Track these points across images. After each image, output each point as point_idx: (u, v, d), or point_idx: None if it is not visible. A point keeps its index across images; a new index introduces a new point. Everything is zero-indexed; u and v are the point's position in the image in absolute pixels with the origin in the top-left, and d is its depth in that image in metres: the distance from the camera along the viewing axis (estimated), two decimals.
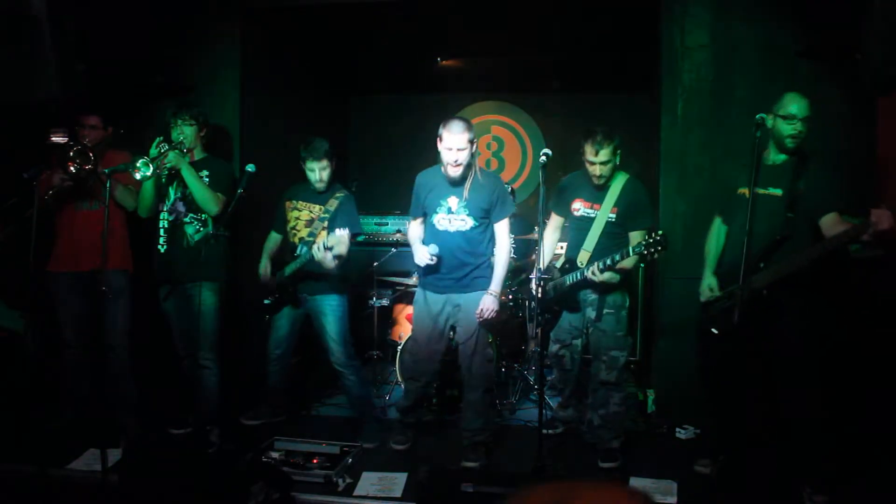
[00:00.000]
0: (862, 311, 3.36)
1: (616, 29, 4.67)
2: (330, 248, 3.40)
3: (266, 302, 3.84)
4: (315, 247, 3.43)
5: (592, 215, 3.40)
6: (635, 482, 3.16)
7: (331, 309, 3.74)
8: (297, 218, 3.78)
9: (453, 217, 3.38)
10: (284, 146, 4.67)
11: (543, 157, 3.09)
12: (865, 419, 3.28)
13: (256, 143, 4.39)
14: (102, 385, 3.75)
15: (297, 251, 3.70)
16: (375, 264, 4.85)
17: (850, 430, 3.25)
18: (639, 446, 3.69)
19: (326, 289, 3.74)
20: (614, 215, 3.37)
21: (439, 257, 3.36)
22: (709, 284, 3.18)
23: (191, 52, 4.29)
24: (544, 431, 3.46)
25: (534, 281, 3.33)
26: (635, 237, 3.33)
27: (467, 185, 3.36)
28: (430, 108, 6.42)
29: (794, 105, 2.92)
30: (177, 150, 3.53)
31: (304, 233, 3.73)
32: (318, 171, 3.69)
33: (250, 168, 3.51)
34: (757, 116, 2.94)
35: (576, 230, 3.49)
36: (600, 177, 3.32)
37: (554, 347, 3.66)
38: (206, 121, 3.75)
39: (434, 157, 3.45)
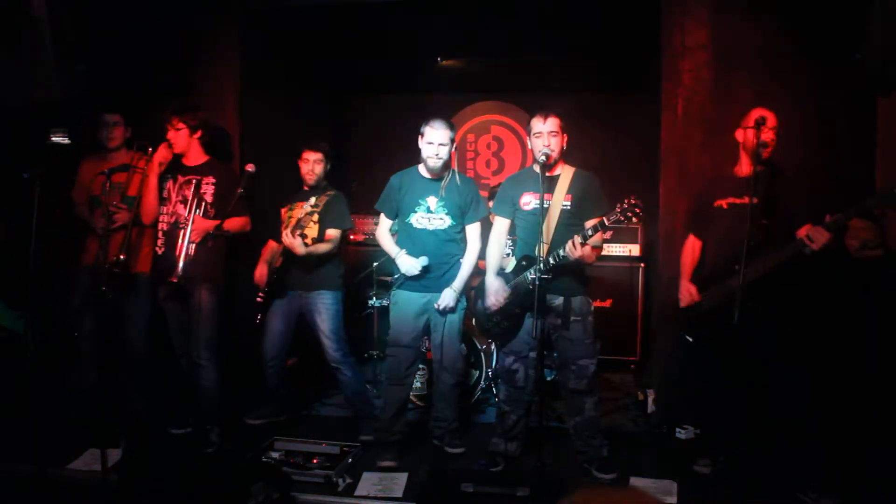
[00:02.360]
0: (859, 311, 3.35)
1: (616, 29, 4.67)
2: (300, 229, 3.48)
3: (258, 300, 3.87)
4: (284, 234, 3.49)
5: (545, 206, 3.16)
6: (635, 482, 3.16)
7: (325, 306, 3.77)
8: (290, 217, 3.81)
9: (432, 216, 3.45)
10: (284, 146, 4.67)
11: (543, 157, 3.08)
12: (868, 419, 3.28)
13: (256, 143, 4.38)
14: (110, 378, 3.82)
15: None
16: (375, 265, 4.84)
17: (853, 431, 3.25)
18: (639, 446, 3.69)
19: (320, 285, 3.77)
20: (569, 203, 3.21)
21: (425, 267, 3.41)
22: (688, 288, 3.24)
23: (191, 52, 4.28)
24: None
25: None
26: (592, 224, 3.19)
27: (444, 184, 3.46)
28: (430, 108, 6.41)
29: (768, 117, 3.02)
30: (199, 230, 3.58)
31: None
32: (311, 163, 3.78)
33: (250, 168, 3.51)
34: (758, 117, 2.96)
35: (528, 227, 3.25)
36: (547, 149, 3.10)
37: (507, 360, 3.34)
38: (201, 125, 3.72)
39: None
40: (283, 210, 3.90)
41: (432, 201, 3.46)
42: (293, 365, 4.22)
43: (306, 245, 3.55)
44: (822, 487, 2.92)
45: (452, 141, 3.41)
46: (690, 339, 3.20)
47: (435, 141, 3.35)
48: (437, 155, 3.36)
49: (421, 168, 3.51)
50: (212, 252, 3.60)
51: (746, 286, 2.88)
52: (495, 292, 3.28)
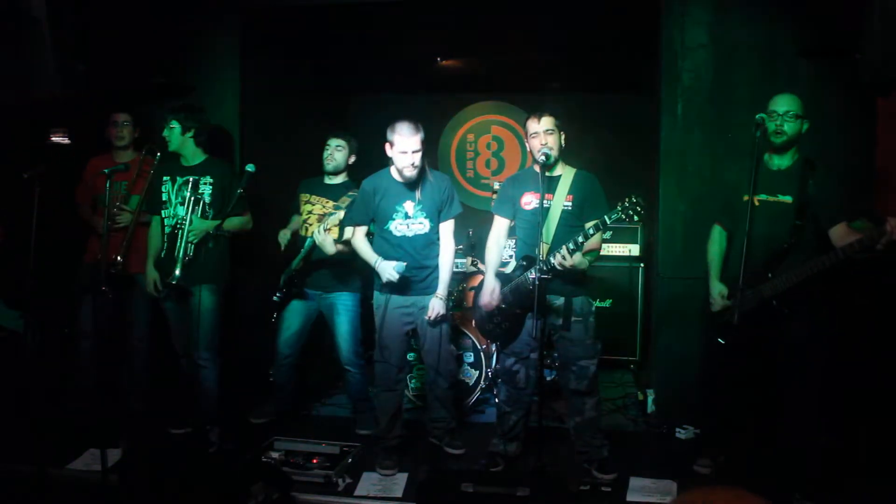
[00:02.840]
0: (862, 313, 3.35)
1: (616, 29, 4.67)
2: (329, 230, 3.44)
3: (275, 298, 3.86)
4: (316, 230, 3.46)
5: (546, 206, 3.13)
6: (635, 482, 3.16)
7: (344, 308, 3.77)
8: (310, 212, 3.82)
9: (411, 222, 3.35)
10: (284, 146, 4.68)
11: (543, 157, 3.07)
12: (868, 419, 3.28)
13: (256, 143, 4.39)
14: (111, 377, 3.85)
15: (305, 244, 3.72)
16: None
17: (852, 431, 3.25)
18: (639, 446, 3.69)
19: (340, 286, 3.77)
20: (570, 203, 3.18)
21: (405, 275, 3.28)
22: (719, 291, 3.10)
23: (190, 51, 4.29)
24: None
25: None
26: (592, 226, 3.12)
27: (419, 187, 3.34)
28: (430, 108, 6.42)
29: (774, 101, 2.96)
30: (197, 231, 3.58)
31: (315, 227, 3.69)
32: (332, 149, 3.79)
33: (250, 168, 3.51)
34: (756, 116, 2.94)
35: (528, 227, 3.22)
36: (546, 148, 3.08)
37: (508, 362, 3.32)
38: (197, 125, 3.70)
39: (432, 158, 3.46)
40: (301, 196, 3.90)
41: (409, 206, 3.33)
42: (296, 364, 4.21)
43: (336, 241, 3.53)
44: (811, 490, 2.91)
45: (423, 142, 3.25)
46: (722, 342, 3.05)
47: (408, 149, 3.19)
48: (412, 164, 3.21)
49: (393, 171, 3.36)
50: (212, 252, 3.60)
51: (783, 293, 2.84)
52: (490, 293, 3.25)
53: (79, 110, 3.77)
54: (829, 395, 3.06)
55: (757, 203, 2.99)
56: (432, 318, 3.34)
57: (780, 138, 2.93)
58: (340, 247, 3.55)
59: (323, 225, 3.46)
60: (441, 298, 3.36)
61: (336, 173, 3.86)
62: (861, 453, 3.23)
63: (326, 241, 3.47)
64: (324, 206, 3.79)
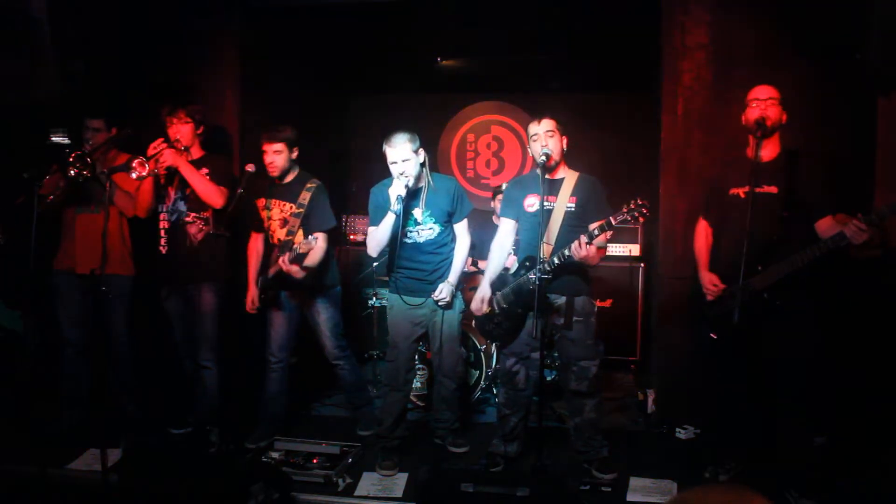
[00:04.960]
0: (859, 311, 3.35)
1: (616, 29, 4.67)
2: (297, 257, 3.38)
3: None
4: (281, 260, 3.40)
5: (549, 207, 3.17)
6: (635, 482, 3.16)
7: (323, 307, 3.72)
8: (270, 218, 3.66)
9: (421, 228, 3.40)
10: None
11: (543, 157, 3.08)
12: (867, 419, 3.28)
13: (256, 143, 4.38)
14: (101, 383, 3.78)
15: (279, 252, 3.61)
16: (375, 264, 4.84)
17: (850, 431, 3.25)
18: (639, 446, 3.69)
19: (316, 289, 3.71)
20: (573, 205, 3.19)
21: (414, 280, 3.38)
22: (710, 280, 3.10)
23: (191, 51, 4.29)
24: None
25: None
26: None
27: (423, 194, 3.37)
28: (430, 108, 6.43)
29: (754, 91, 2.99)
30: (173, 149, 3.51)
31: (281, 234, 3.61)
32: (270, 154, 3.56)
33: (250, 168, 3.51)
34: (759, 116, 2.94)
35: (531, 229, 3.21)
36: (547, 152, 3.10)
37: (508, 362, 3.31)
38: (203, 118, 3.72)
39: (431, 158, 3.46)
40: (258, 202, 3.70)
41: (417, 213, 3.37)
42: (293, 364, 4.20)
43: (301, 267, 3.46)
44: (806, 487, 2.91)
45: (417, 151, 3.26)
46: (714, 337, 3.07)
47: (398, 159, 3.23)
48: (402, 173, 3.23)
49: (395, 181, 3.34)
50: (213, 251, 3.59)
51: (773, 285, 2.84)
52: (481, 299, 3.31)
53: (81, 111, 3.76)
54: (826, 393, 3.05)
55: (742, 196, 2.99)
56: (437, 298, 3.39)
57: (765, 124, 2.92)
58: (314, 257, 3.50)
59: (289, 255, 3.37)
60: (451, 284, 3.41)
61: (285, 175, 3.64)
62: (859, 451, 3.23)
63: (293, 270, 3.41)
64: (282, 210, 3.62)
